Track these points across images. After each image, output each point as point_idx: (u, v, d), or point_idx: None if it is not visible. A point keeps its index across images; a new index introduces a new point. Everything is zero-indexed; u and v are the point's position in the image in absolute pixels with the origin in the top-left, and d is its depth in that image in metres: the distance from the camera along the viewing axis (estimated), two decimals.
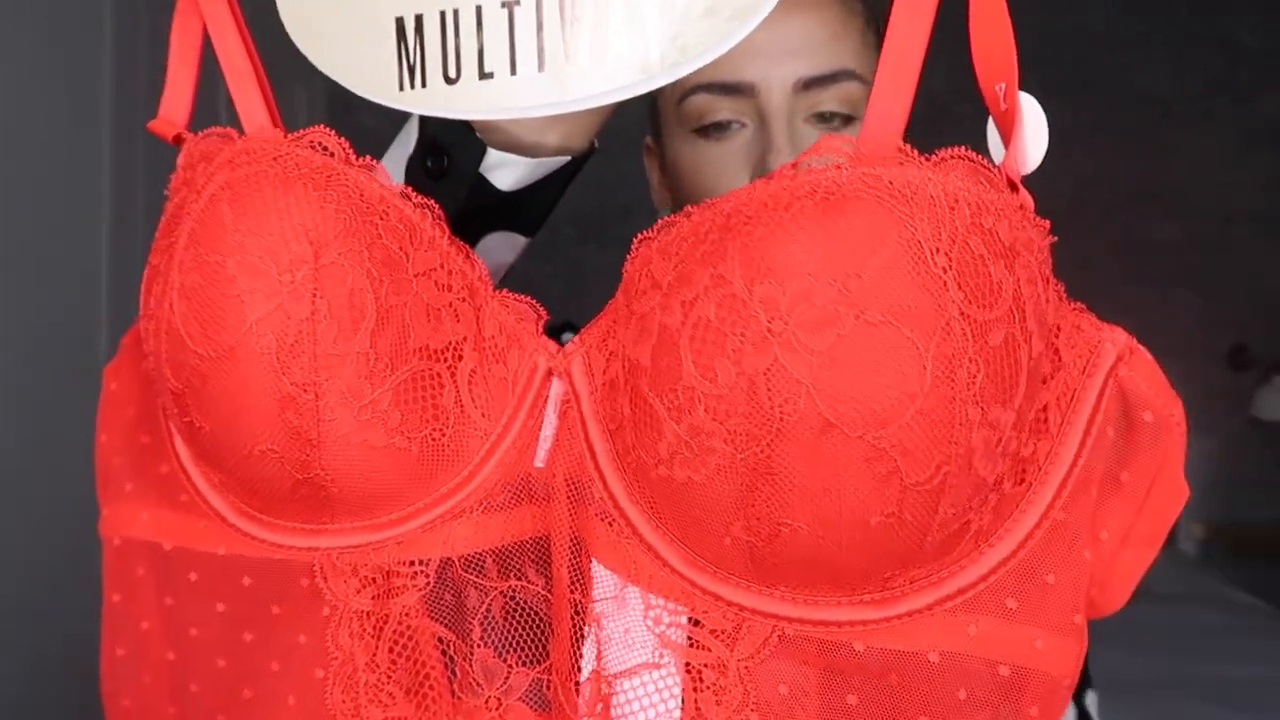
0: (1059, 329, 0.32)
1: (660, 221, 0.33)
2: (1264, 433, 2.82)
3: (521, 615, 0.35)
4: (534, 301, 0.38)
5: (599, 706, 0.34)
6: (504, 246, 0.48)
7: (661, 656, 0.33)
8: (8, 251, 1.37)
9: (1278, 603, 2.41)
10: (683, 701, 0.33)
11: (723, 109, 0.58)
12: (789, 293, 0.29)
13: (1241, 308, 2.81)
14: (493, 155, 0.44)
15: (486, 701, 0.35)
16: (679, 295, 0.31)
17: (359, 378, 0.33)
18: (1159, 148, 2.86)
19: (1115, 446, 0.33)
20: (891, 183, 0.29)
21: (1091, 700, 0.47)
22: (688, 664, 0.33)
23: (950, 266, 0.29)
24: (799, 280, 0.29)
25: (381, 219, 0.34)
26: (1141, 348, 0.34)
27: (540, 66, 0.35)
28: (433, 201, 0.36)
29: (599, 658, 0.34)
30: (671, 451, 0.31)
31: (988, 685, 0.31)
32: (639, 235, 0.34)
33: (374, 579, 0.36)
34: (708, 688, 0.32)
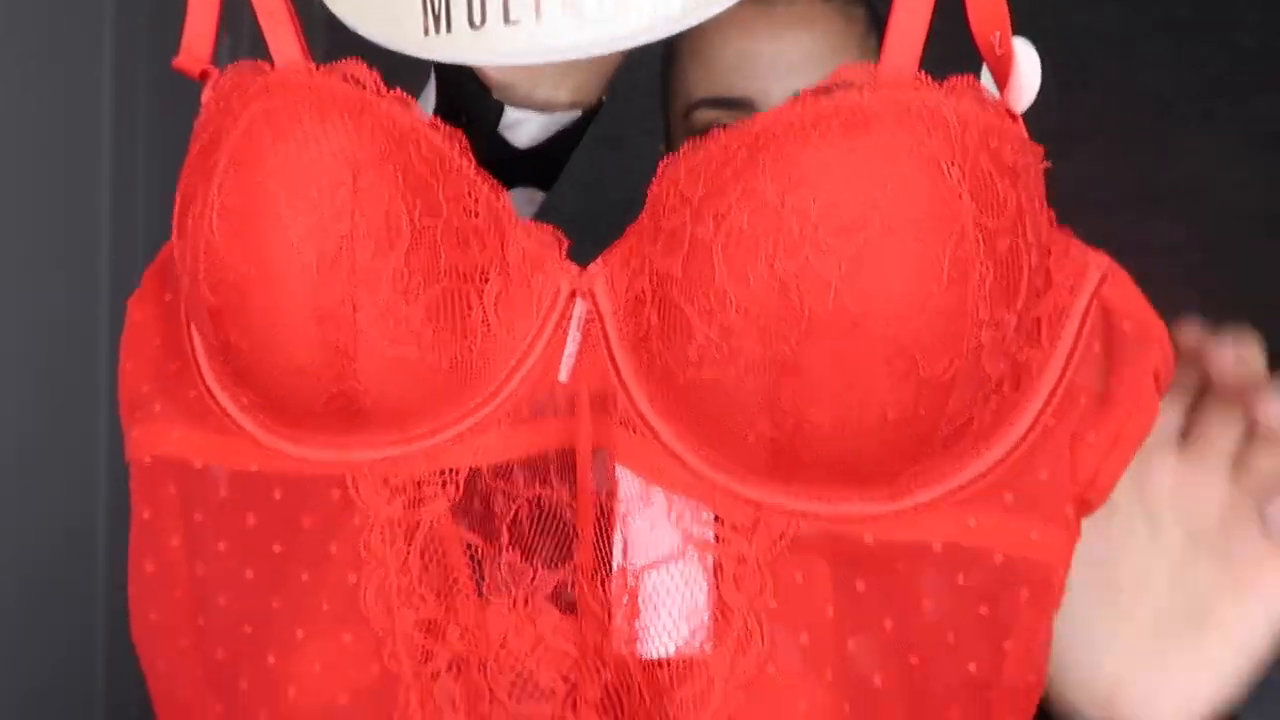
0: (1050, 250, 0.36)
1: (685, 145, 0.35)
2: None
3: (547, 521, 0.38)
4: (556, 228, 0.40)
5: (625, 599, 0.36)
6: (523, 201, 0.52)
7: (686, 550, 0.36)
8: (8, 244, 1.37)
9: None
10: (707, 589, 0.36)
11: (725, 121, 0.61)
12: (819, 201, 0.31)
13: (1241, 308, 2.80)
14: (509, 114, 0.46)
15: (514, 602, 0.37)
16: (710, 209, 0.33)
17: (394, 294, 0.34)
18: (1159, 148, 2.86)
19: (1100, 359, 0.36)
20: (910, 105, 0.32)
21: None
22: (710, 556, 0.36)
23: (964, 179, 0.31)
24: (828, 190, 0.31)
25: (414, 146, 0.36)
26: (1122, 270, 0.38)
27: (564, 12, 0.36)
28: (459, 130, 0.38)
29: (625, 555, 0.36)
30: (701, 353, 0.33)
31: (984, 570, 0.35)
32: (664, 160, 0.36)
33: (404, 489, 0.37)
34: (729, 577, 0.35)
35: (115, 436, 1.73)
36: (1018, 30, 0.40)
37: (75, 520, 1.54)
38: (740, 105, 0.60)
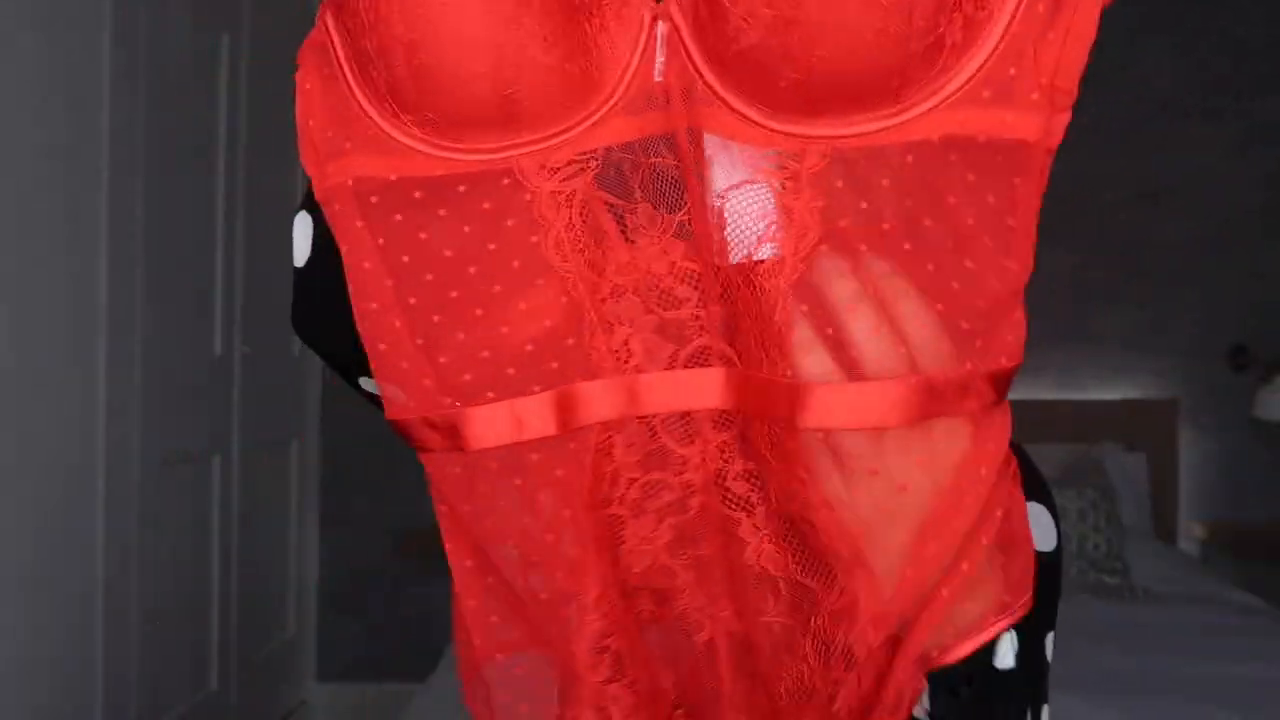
0: None
1: None
2: (1264, 433, 2.82)
3: (664, 179, 0.50)
4: None
5: (716, 216, 0.49)
6: None
7: (756, 179, 0.49)
8: (8, 245, 1.37)
9: (1278, 603, 2.41)
10: (773, 199, 0.48)
11: None
12: None
13: (1241, 308, 2.81)
14: None
15: (650, 239, 0.50)
16: None
17: (534, 22, 0.47)
18: (1159, 147, 2.86)
19: None
20: None
21: (1049, 640, 0.56)
22: (773, 178, 0.48)
23: None
24: None
25: None
26: None
27: None
28: None
29: (710, 190, 0.49)
30: (736, 29, 0.45)
31: (976, 157, 0.46)
32: None
33: (558, 168, 0.50)
34: (787, 190, 0.48)
35: (115, 436, 1.74)
36: None
37: (75, 520, 1.55)
38: None
